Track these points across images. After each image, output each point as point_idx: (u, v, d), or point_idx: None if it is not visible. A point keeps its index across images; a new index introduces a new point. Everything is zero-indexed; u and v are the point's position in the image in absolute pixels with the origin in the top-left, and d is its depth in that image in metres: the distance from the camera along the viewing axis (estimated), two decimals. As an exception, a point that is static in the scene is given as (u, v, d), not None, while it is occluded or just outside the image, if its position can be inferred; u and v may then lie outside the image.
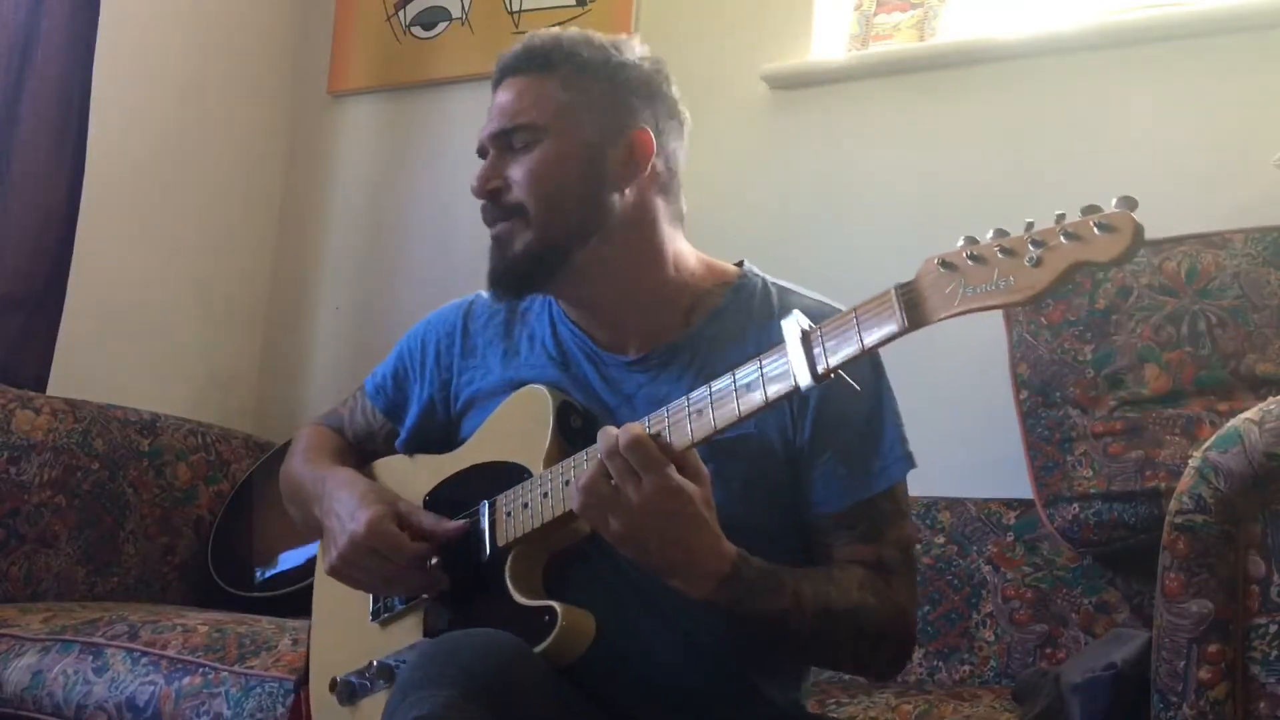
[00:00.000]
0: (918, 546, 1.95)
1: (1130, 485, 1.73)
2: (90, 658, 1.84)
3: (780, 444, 1.29)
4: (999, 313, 1.86)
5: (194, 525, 2.53)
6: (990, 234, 0.98)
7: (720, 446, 1.21)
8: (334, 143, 3.06)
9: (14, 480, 2.25)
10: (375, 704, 1.32)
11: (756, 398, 1.09)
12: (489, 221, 1.35)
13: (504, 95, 1.36)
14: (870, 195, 2.34)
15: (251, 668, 1.74)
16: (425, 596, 1.34)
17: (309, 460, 1.50)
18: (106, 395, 2.52)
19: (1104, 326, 1.77)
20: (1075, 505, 1.77)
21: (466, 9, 2.88)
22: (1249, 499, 1.20)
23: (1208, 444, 1.24)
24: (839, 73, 2.41)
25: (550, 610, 1.18)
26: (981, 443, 2.09)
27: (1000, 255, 0.96)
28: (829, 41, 2.46)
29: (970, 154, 2.27)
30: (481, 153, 1.37)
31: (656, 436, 1.12)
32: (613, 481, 1.11)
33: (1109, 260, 0.92)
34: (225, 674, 1.74)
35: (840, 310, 1.09)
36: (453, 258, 2.78)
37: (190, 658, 1.79)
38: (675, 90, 1.39)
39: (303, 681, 1.49)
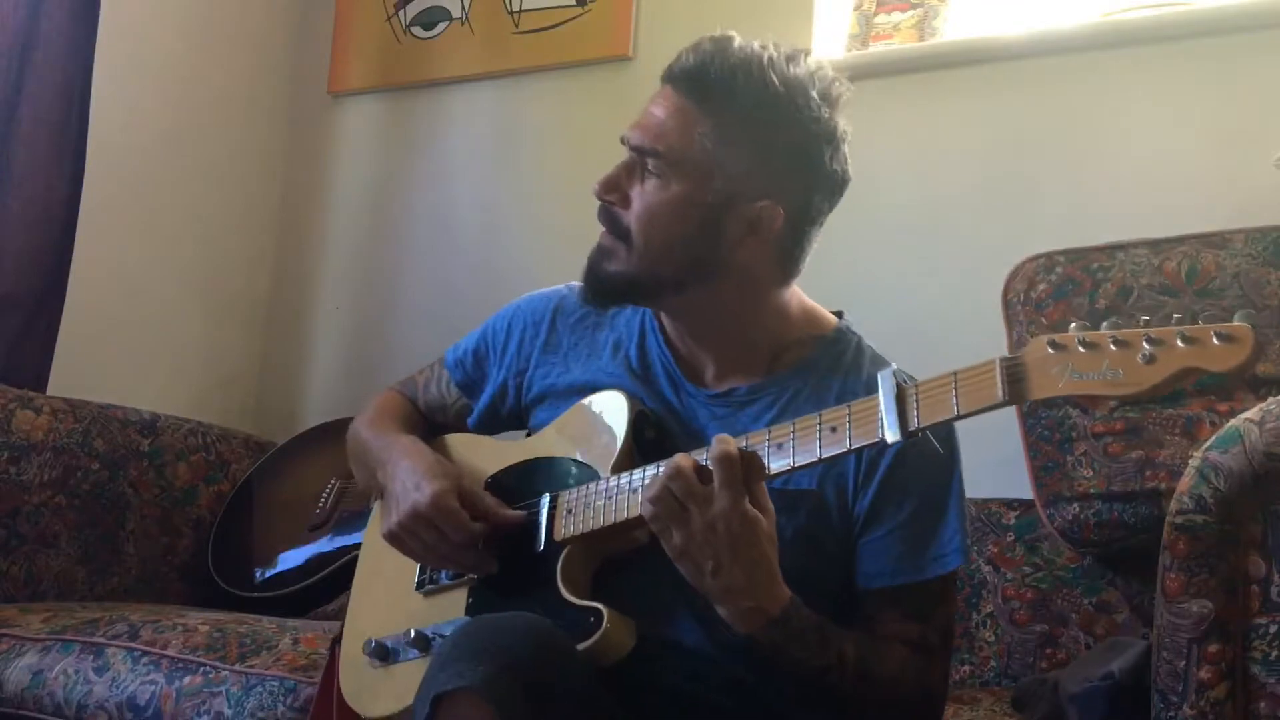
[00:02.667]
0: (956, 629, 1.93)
1: (1130, 485, 1.73)
2: (91, 657, 1.84)
3: (837, 506, 1.28)
4: (999, 313, 1.87)
5: (194, 525, 2.53)
6: (1105, 325, 0.98)
7: (778, 496, 1.20)
8: (334, 143, 3.06)
9: (14, 480, 2.24)
10: (406, 669, 1.33)
11: (840, 442, 1.09)
12: (600, 219, 1.34)
13: (660, 107, 1.30)
14: (870, 195, 2.33)
15: (252, 667, 1.73)
16: (473, 576, 1.35)
17: (378, 424, 1.51)
18: (106, 395, 2.52)
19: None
20: (1075, 505, 1.77)
21: (466, 9, 2.88)
22: (1249, 499, 1.20)
23: (1208, 444, 1.24)
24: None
25: (596, 612, 1.18)
26: (981, 443, 2.08)
27: (1113, 346, 0.97)
28: (829, 41, 2.46)
29: (970, 154, 2.27)
30: (624, 143, 1.33)
31: (743, 452, 1.12)
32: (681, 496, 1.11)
33: (1223, 371, 0.92)
34: (226, 673, 1.74)
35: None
36: (453, 257, 2.78)
37: (191, 657, 1.79)
38: (842, 154, 1.33)
39: (338, 639, 1.49)
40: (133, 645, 1.85)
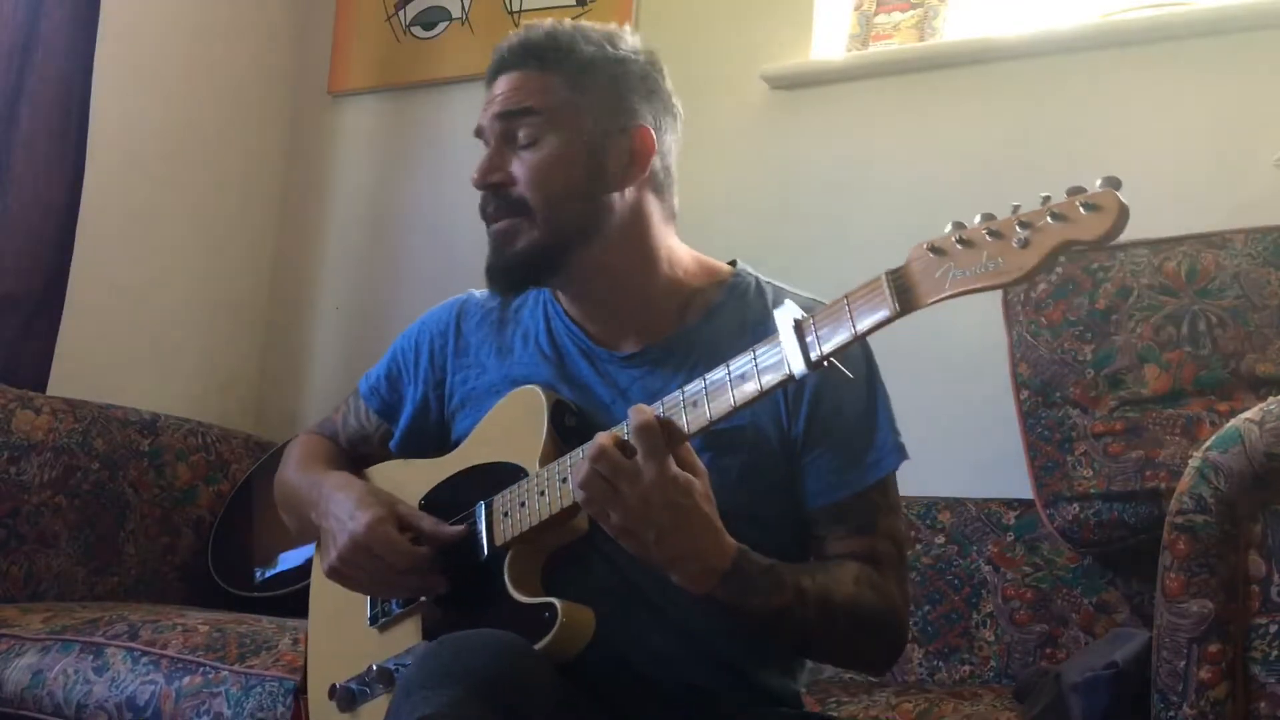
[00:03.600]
0: (910, 543, 1.95)
1: (1130, 485, 1.73)
2: (90, 657, 1.84)
3: (775, 435, 1.30)
4: (999, 313, 1.87)
5: (194, 525, 2.53)
6: (978, 218, 0.99)
7: (716, 438, 1.22)
8: (334, 143, 3.06)
9: (14, 480, 2.25)
10: (375, 709, 1.32)
11: (751, 387, 1.10)
12: (489, 215, 1.35)
13: (505, 84, 1.35)
14: (870, 195, 2.34)
15: (252, 667, 1.74)
16: (423, 599, 1.34)
17: (304, 467, 1.50)
18: (106, 395, 2.52)
19: (1104, 326, 1.77)
20: (1075, 505, 1.77)
21: (466, 9, 2.89)
22: (1249, 499, 1.20)
23: (1208, 444, 1.24)
24: (839, 73, 2.41)
25: (550, 606, 1.18)
26: (981, 443, 2.09)
27: (988, 238, 0.97)
28: (829, 41, 2.46)
29: (970, 154, 2.27)
30: (480, 136, 1.37)
31: (660, 419, 1.12)
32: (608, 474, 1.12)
33: (1095, 239, 0.93)
34: (226, 673, 1.74)
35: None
36: (453, 257, 2.78)
37: (190, 657, 1.79)
38: (669, 83, 1.39)
39: (302, 689, 1.48)
40: (132, 645, 1.85)
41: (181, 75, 2.88)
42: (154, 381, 2.77)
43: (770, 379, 1.08)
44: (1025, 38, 2.24)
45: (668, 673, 1.26)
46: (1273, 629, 1.20)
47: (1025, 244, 0.95)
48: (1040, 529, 1.90)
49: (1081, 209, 0.93)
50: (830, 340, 1.05)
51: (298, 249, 3.07)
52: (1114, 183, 0.93)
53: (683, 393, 1.14)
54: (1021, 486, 1.86)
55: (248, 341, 3.04)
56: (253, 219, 3.06)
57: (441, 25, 2.92)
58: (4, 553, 2.22)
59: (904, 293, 1.01)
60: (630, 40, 1.38)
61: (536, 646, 1.15)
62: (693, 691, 1.27)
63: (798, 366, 1.06)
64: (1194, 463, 1.24)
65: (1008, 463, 1.90)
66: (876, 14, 2.45)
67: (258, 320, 3.07)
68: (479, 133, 1.37)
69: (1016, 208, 0.97)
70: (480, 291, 1.50)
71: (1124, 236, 1.89)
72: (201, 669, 1.76)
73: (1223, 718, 1.20)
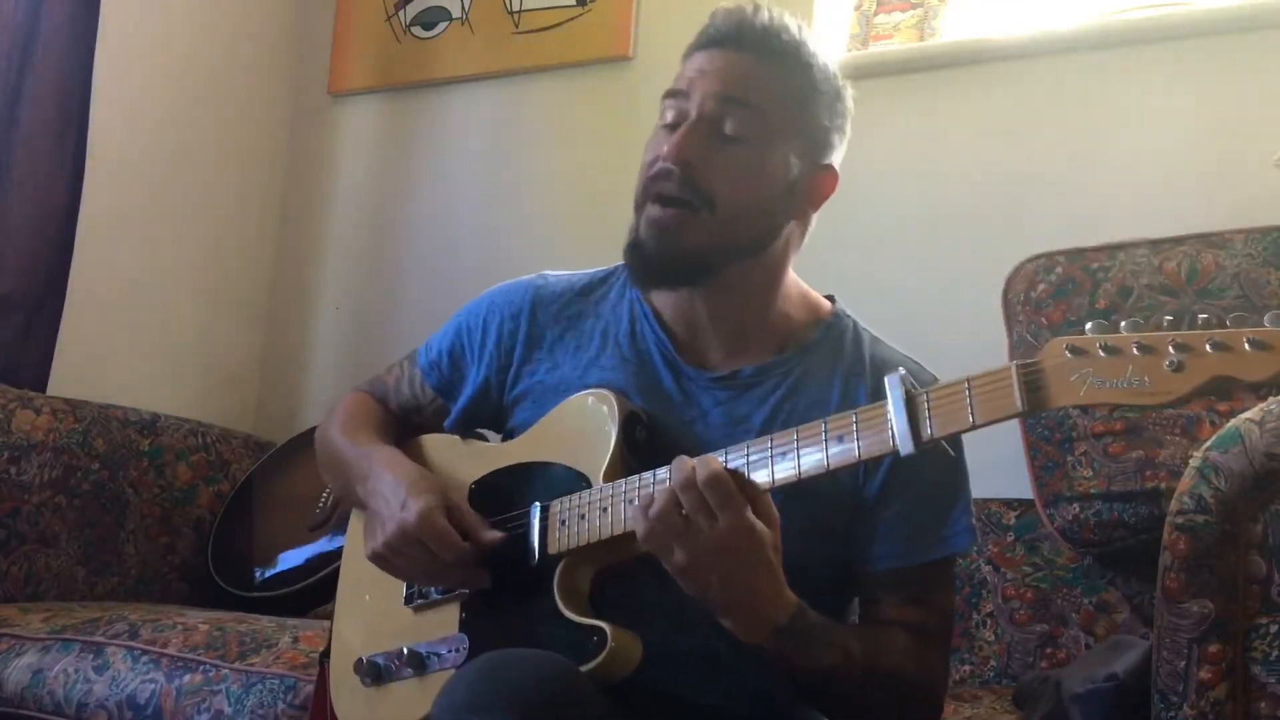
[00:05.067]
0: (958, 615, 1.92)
1: (1130, 485, 1.73)
2: (90, 656, 1.84)
3: (850, 489, 1.25)
4: (999, 313, 1.87)
5: (194, 525, 2.53)
6: (1125, 325, 0.92)
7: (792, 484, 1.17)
8: (334, 143, 3.06)
9: (14, 480, 2.25)
10: (401, 689, 1.30)
11: (847, 452, 1.05)
12: (660, 196, 1.24)
13: (734, 62, 1.24)
14: (870, 195, 2.34)
15: (252, 665, 1.73)
16: (465, 590, 1.30)
17: (351, 431, 1.43)
18: (106, 395, 2.52)
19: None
20: (1075, 505, 1.77)
21: (466, 9, 2.88)
22: (1249, 499, 1.20)
23: (1208, 444, 1.24)
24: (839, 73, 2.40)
25: (600, 631, 1.14)
26: (981, 443, 2.08)
27: (1136, 352, 0.91)
28: (829, 41, 2.46)
29: (970, 154, 2.27)
30: (674, 97, 1.26)
31: (734, 473, 1.08)
32: (684, 513, 1.07)
33: (1257, 382, 0.87)
34: (226, 671, 1.74)
35: (927, 371, 1.06)
36: (453, 257, 2.78)
37: (191, 655, 1.79)
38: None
39: (326, 654, 1.45)
40: (132, 644, 1.85)
41: (181, 75, 2.88)
42: (154, 381, 2.77)
43: (870, 448, 1.04)
44: (1025, 38, 2.24)
45: (709, 698, 1.24)
46: (1273, 629, 1.20)
47: (1179, 368, 0.88)
48: (1040, 529, 1.90)
49: (1247, 345, 0.87)
50: (945, 425, 1.00)
51: (298, 249, 3.07)
52: (1227, 259, 0.90)
53: (771, 440, 1.09)
54: (1021, 486, 1.86)
55: (248, 341, 3.04)
56: (253, 219, 3.06)
57: (441, 25, 2.92)
58: (4, 553, 2.22)
59: (1034, 391, 0.95)
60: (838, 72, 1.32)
61: (582, 669, 1.11)
62: (730, 718, 1.25)
63: (905, 445, 1.01)
64: (1194, 463, 1.23)
65: (1008, 463, 1.90)
66: (876, 14, 2.45)
67: (258, 320, 3.07)
68: (676, 95, 1.26)
69: (1171, 322, 0.90)
70: (554, 275, 1.44)
71: (1124, 236, 1.90)
72: (202, 667, 1.76)
73: (1223, 718, 1.20)
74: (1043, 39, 2.23)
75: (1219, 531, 1.21)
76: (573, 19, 2.70)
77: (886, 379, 1.04)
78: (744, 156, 1.24)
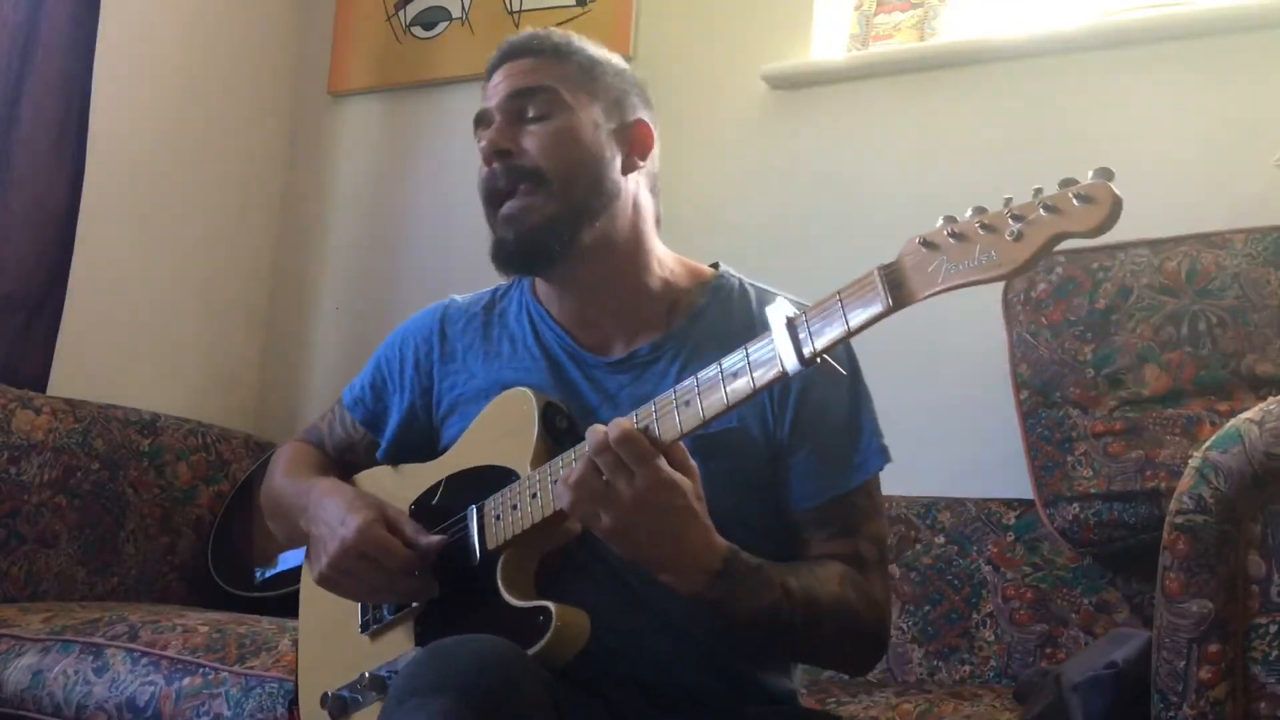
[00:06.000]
0: (892, 545, 1.95)
1: (1130, 485, 1.73)
2: (90, 658, 1.84)
3: (762, 437, 1.30)
4: (999, 312, 1.87)
5: (194, 525, 2.53)
6: (969, 212, 0.99)
7: (704, 440, 1.22)
8: (334, 143, 3.06)
9: (14, 480, 2.25)
10: (366, 717, 1.31)
11: (744, 385, 1.09)
12: (501, 191, 1.34)
13: (516, 67, 1.38)
14: (870, 195, 2.34)
15: (252, 668, 1.73)
16: (415, 605, 1.33)
17: (291, 474, 1.49)
18: (106, 395, 2.52)
19: (1104, 326, 1.77)
20: (1075, 505, 1.77)
21: (466, 9, 2.89)
22: (1249, 499, 1.20)
23: (1208, 444, 1.24)
24: (839, 73, 2.41)
25: (544, 610, 1.17)
26: (981, 443, 2.09)
27: (981, 231, 0.97)
28: (829, 41, 2.46)
29: (970, 154, 2.27)
30: (482, 122, 1.38)
31: (645, 430, 1.12)
32: (604, 477, 1.11)
33: (1088, 230, 0.92)
34: (225, 674, 1.74)
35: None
36: (453, 257, 2.78)
37: (190, 658, 1.79)
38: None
39: (294, 702, 1.47)
40: (132, 646, 1.85)
41: (181, 75, 2.88)
42: (154, 381, 2.77)
43: (763, 376, 1.08)
44: (1025, 38, 2.24)
45: (666, 675, 1.26)
46: (1273, 629, 1.20)
47: (1019, 237, 0.94)
48: (1040, 529, 1.90)
49: (1075, 201, 0.92)
50: (823, 336, 1.04)
51: (298, 249, 3.07)
52: (1106, 174, 0.93)
53: (674, 392, 1.13)
54: (1021, 486, 1.87)
55: (248, 341, 3.04)
56: (253, 219, 3.06)
57: (441, 25, 2.92)
58: (4, 553, 2.22)
59: (896, 288, 1.00)
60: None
61: (531, 651, 1.14)
62: (691, 694, 1.27)
63: (791, 363, 1.06)
64: (1194, 463, 1.24)
65: (1008, 463, 1.90)
66: (876, 14, 2.45)
67: (258, 320, 3.07)
68: (482, 118, 1.38)
69: (1009, 201, 0.96)
70: (462, 296, 1.51)
71: (1124, 236, 1.90)
72: (201, 670, 1.76)
73: (1223, 718, 1.20)
74: (1043, 39, 2.23)
75: (1219, 531, 1.21)
76: (573, 19, 2.70)
77: (768, 309, 1.08)
78: (550, 128, 1.34)
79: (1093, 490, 1.75)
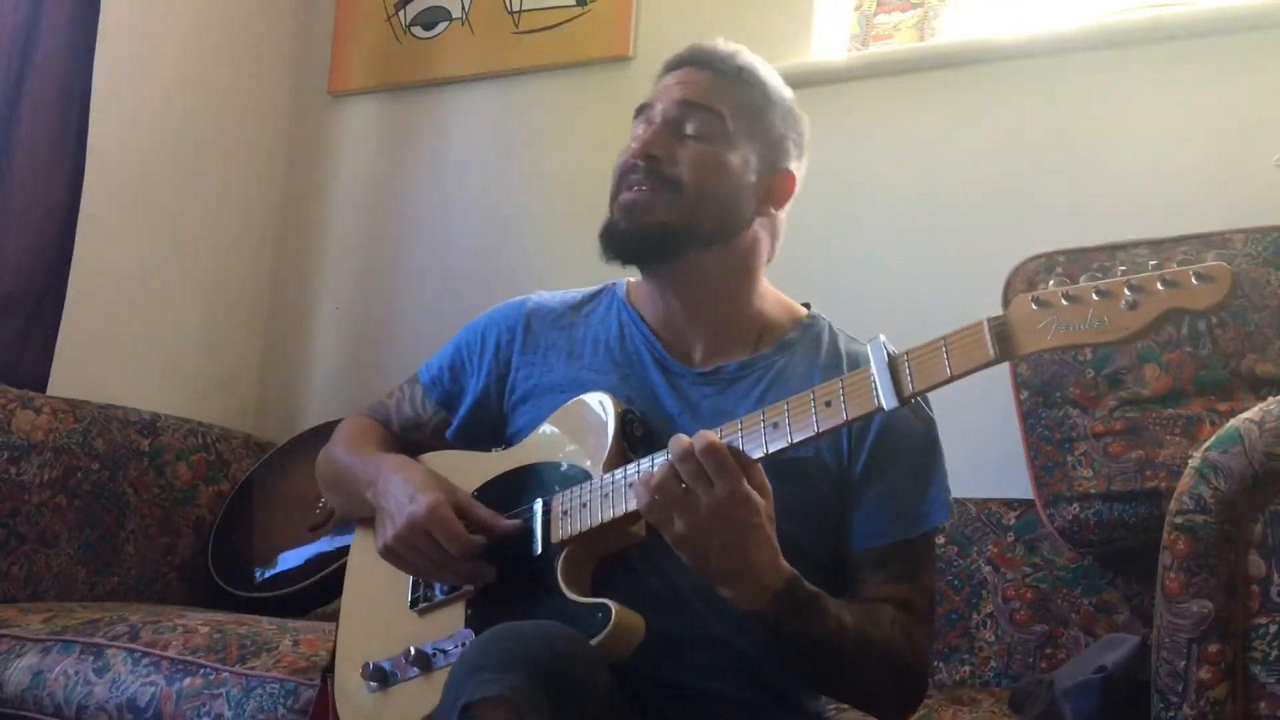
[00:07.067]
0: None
1: (1130, 485, 1.73)
2: (91, 658, 1.84)
3: (835, 470, 1.32)
4: (999, 313, 1.87)
5: (194, 525, 2.53)
6: (1084, 278, 1.02)
7: (778, 464, 1.21)
8: (334, 143, 3.06)
9: (14, 480, 2.25)
10: (406, 691, 1.32)
11: (836, 415, 1.11)
12: (631, 183, 1.37)
13: (695, 75, 1.40)
14: (870, 195, 2.34)
15: (253, 669, 1.73)
16: (469, 588, 1.34)
17: (357, 448, 1.51)
18: (106, 395, 2.52)
19: (1104, 327, 1.77)
20: (1075, 505, 1.77)
21: (466, 9, 2.88)
22: (1249, 499, 1.20)
23: (1208, 444, 1.24)
24: (839, 73, 2.41)
25: (604, 608, 1.18)
26: (981, 443, 2.09)
27: (1095, 297, 1.01)
28: (829, 41, 2.46)
29: (970, 154, 2.27)
30: (643, 112, 1.41)
31: (729, 445, 1.13)
32: (683, 484, 1.12)
33: (1204, 308, 0.96)
34: (226, 674, 1.74)
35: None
36: (453, 257, 2.78)
37: (191, 658, 1.79)
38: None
39: (329, 668, 1.47)
40: (133, 646, 1.85)
41: (181, 75, 2.88)
42: (154, 381, 2.77)
43: (857, 408, 1.10)
44: (1025, 38, 2.24)
45: (706, 685, 1.28)
46: (1273, 629, 1.20)
47: (1133, 306, 0.98)
48: (1040, 529, 1.90)
49: (1194, 279, 0.96)
50: (924, 379, 1.08)
51: (298, 249, 3.07)
52: (1225, 257, 0.96)
53: (762, 412, 1.15)
54: (1021, 486, 1.87)
55: (248, 341, 3.04)
56: (253, 219, 3.06)
57: (441, 25, 2.92)
58: (4, 553, 2.22)
59: (1004, 340, 1.04)
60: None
61: (591, 642, 1.16)
62: (728, 704, 1.28)
63: (889, 400, 1.09)
64: (1194, 463, 1.24)
65: (1008, 463, 1.90)
66: (876, 14, 2.45)
67: (258, 320, 3.07)
68: (644, 109, 1.41)
69: (1125, 271, 1.00)
70: (547, 293, 1.54)
71: (1124, 236, 1.90)
72: (202, 670, 1.76)
73: (1223, 718, 1.20)
74: (1042, 39, 2.23)
75: (1219, 531, 1.21)
76: (573, 19, 2.70)
77: (870, 344, 1.12)
78: (705, 151, 1.37)
79: (1093, 490, 1.75)
